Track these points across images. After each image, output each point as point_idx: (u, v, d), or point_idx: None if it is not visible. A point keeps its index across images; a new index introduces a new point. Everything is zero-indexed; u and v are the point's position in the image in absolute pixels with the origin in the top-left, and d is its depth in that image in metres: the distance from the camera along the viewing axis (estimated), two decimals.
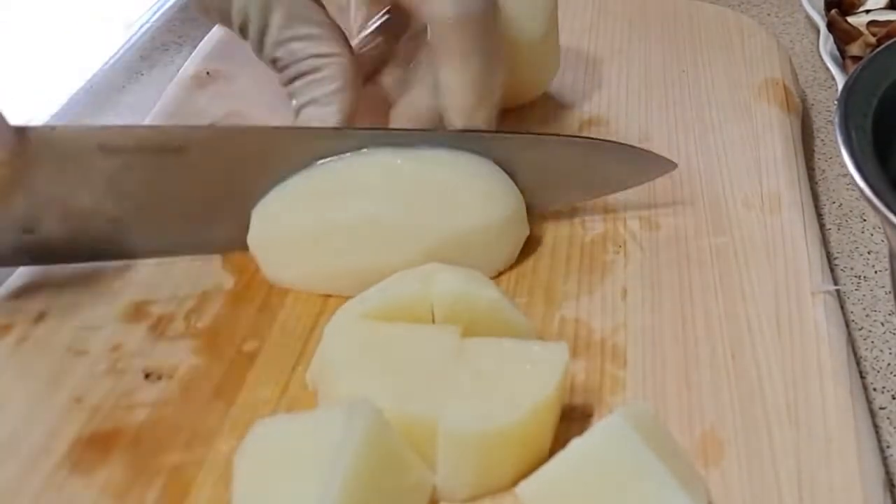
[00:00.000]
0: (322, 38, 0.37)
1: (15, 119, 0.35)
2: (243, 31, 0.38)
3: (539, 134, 0.43)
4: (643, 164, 0.42)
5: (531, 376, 0.31)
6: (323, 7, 0.38)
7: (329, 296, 0.39)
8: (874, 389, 0.38)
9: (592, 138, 0.42)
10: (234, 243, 0.40)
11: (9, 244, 0.37)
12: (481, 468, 0.30)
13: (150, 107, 0.55)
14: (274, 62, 0.38)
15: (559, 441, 0.31)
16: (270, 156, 0.37)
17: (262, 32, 0.38)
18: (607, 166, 0.41)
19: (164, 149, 0.36)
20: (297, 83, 0.38)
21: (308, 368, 0.35)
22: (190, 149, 0.37)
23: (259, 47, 0.38)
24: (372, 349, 0.32)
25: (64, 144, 0.36)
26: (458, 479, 0.31)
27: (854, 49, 0.56)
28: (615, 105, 0.52)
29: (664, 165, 0.42)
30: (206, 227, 0.39)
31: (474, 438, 0.30)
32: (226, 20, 0.38)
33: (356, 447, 0.27)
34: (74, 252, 0.38)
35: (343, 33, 0.39)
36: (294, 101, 0.39)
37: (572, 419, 0.34)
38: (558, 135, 0.44)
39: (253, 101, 0.53)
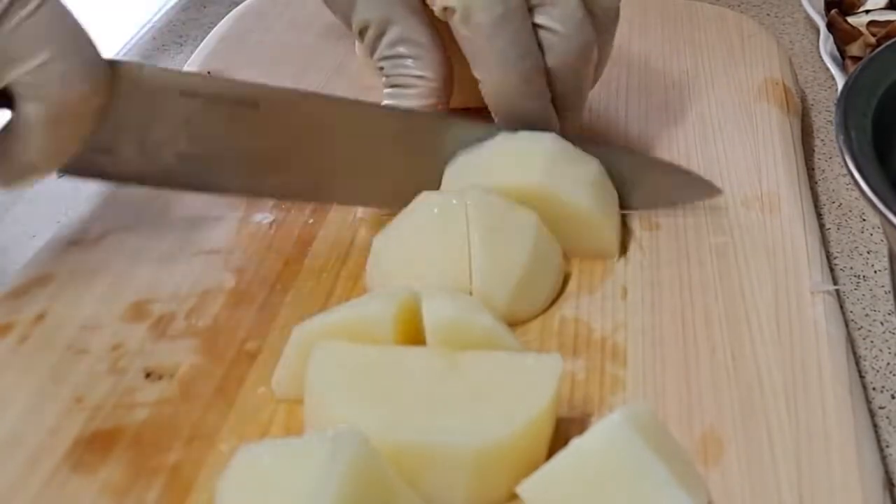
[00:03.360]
0: (424, 61, 0.42)
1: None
2: (361, 35, 0.43)
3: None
4: (688, 184, 0.45)
5: (525, 389, 0.30)
6: (436, 32, 0.42)
7: (330, 296, 0.39)
8: (873, 389, 0.38)
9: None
10: (280, 193, 0.43)
11: (86, 160, 0.40)
12: (474, 484, 0.30)
13: None
14: (381, 69, 0.43)
15: (559, 441, 0.31)
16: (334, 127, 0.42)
17: (377, 40, 0.42)
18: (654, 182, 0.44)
19: (239, 102, 0.40)
20: (393, 90, 0.42)
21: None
22: (261, 105, 0.41)
23: (372, 53, 0.43)
24: (361, 373, 0.31)
25: (150, 84, 0.39)
26: (451, 496, 0.30)
27: (854, 49, 0.56)
28: (615, 105, 0.53)
29: (708, 188, 0.45)
30: (264, 177, 0.42)
31: (467, 453, 0.29)
32: (346, 21, 0.43)
33: (341, 479, 0.26)
34: (142, 177, 0.41)
35: (446, 58, 0.42)
36: (387, 101, 0.43)
37: (572, 419, 0.34)
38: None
39: None
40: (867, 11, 0.59)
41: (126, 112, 0.39)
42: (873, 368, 0.39)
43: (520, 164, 0.40)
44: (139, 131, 0.40)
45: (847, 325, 0.39)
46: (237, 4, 0.64)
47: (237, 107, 0.40)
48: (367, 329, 0.32)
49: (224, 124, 0.40)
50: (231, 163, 0.41)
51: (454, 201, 0.38)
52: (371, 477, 0.27)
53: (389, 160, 0.42)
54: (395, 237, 0.39)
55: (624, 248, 0.42)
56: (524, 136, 0.41)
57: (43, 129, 0.36)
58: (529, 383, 0.31)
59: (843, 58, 0.57)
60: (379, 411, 0.30)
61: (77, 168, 0.40)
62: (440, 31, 0.42)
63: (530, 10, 0.40)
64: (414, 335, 0.33)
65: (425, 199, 0.39)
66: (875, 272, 0.44)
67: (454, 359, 0.31)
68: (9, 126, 0.37)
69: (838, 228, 0.47)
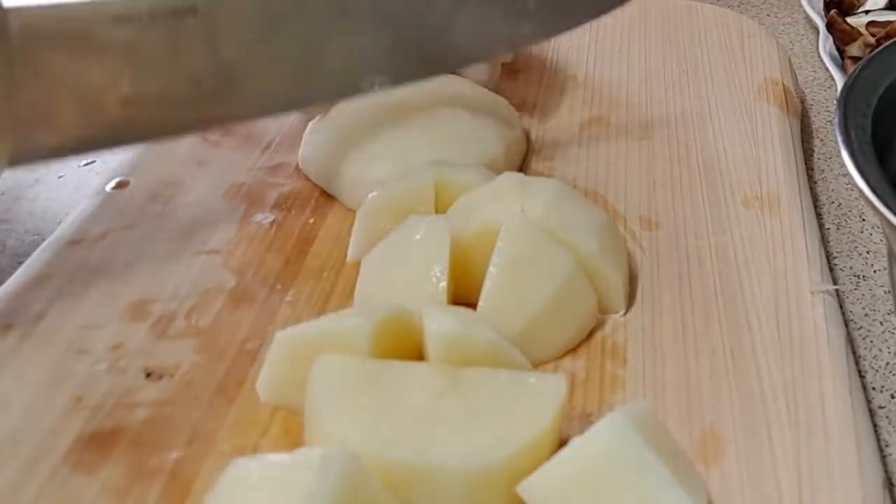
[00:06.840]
0: None
1: None
2: None
3: None
4: None
5: (525, 411, 0.30)
6: None
7: (330, 297, 0.39)
8: (873, 388, 0.38)
9: None
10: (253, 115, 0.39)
11: (26, 141, 0.34)
12: None
13: None
14: None
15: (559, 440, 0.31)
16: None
17: None
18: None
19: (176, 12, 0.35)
20: None
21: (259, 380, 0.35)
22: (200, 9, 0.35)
23: None
24: (360, 387, 0.30)
25: (78, 22, 0.33)
26: None
27: (853, 49, 0.56)
28: (615, 105, 0.53)
29: None
30: (223, 100, 0.38)
31: (461, 475, 0.28)
32: None
33: (328, 501, 0.25)
34: (91, 142, 0.36)
35: None
36: None
37: (572, 418, 0.34)
38: None
39: None
40: (867, 12, 0.59)
41: (53, 65, 0.33)
42: (873, 368, 0.39)
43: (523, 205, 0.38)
44: (74, 83, 0.34)
45: (847, 325, 0.39)
46: None
47: (175, 19, 0.34)
48: (345, 342, 0.32)
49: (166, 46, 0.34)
50: (183, 93, 0.35)
51: (438, 223, 0.37)
52: (359, 498, 0.26)
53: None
54: (380, 256, 0.38)
55: (630, 303, 0.39)
56: (529, 179, 0.39)
57: None
58: (530, 404, 0.30)
59: (842, 58, 0.57)
60: (375, 427, 0.29)
61: (18, 154, 0.34)
62: None
63: None
64: (397, 350, 0.33)
65: (412, 220, 0.37)
66: (875, 272, 0.44)
67: (454, 376, 0.31)
68: None
69: (838, 228, 0.47)
